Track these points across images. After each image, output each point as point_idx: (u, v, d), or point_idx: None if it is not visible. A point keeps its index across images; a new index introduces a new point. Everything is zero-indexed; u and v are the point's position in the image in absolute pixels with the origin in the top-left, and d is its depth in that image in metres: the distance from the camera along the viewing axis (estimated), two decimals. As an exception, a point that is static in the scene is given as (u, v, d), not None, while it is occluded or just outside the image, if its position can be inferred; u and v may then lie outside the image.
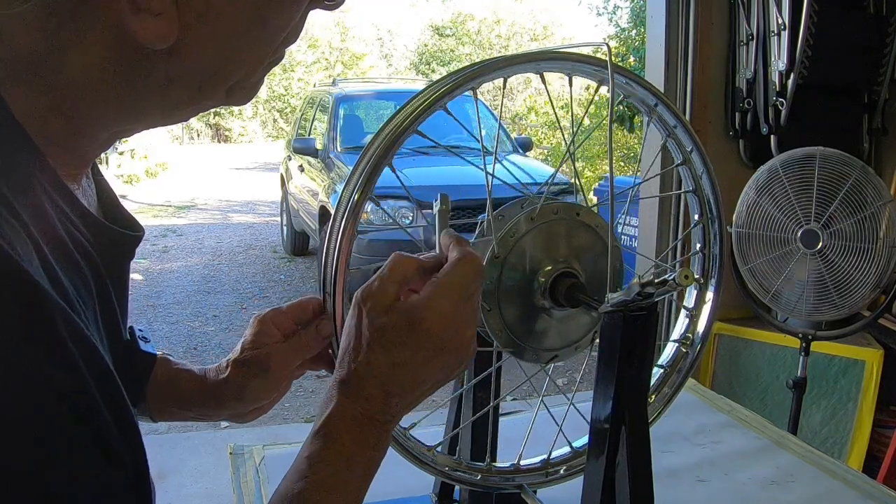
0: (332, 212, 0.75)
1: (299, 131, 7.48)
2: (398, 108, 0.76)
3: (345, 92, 6.97)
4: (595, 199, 5.52)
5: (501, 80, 0.80)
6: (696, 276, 0.95)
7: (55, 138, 0.49)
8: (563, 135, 6.60)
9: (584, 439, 0.89)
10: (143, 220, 8.85)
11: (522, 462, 0.91)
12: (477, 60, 0.80)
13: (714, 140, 2.50)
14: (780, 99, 2.34)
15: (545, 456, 0.92)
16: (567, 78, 0.83)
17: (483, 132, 6.93)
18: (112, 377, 0.44)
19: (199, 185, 13.38)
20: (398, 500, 1.01)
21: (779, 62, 2.32)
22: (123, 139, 0.59)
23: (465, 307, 0.60)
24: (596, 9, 16.61)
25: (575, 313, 0.82)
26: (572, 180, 7.66)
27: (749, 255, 1.95)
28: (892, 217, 1.81)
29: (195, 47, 0.49)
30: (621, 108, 5.12)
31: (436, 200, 0.72)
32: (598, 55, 0.79)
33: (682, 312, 0.97)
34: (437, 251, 0.65)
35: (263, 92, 21.62)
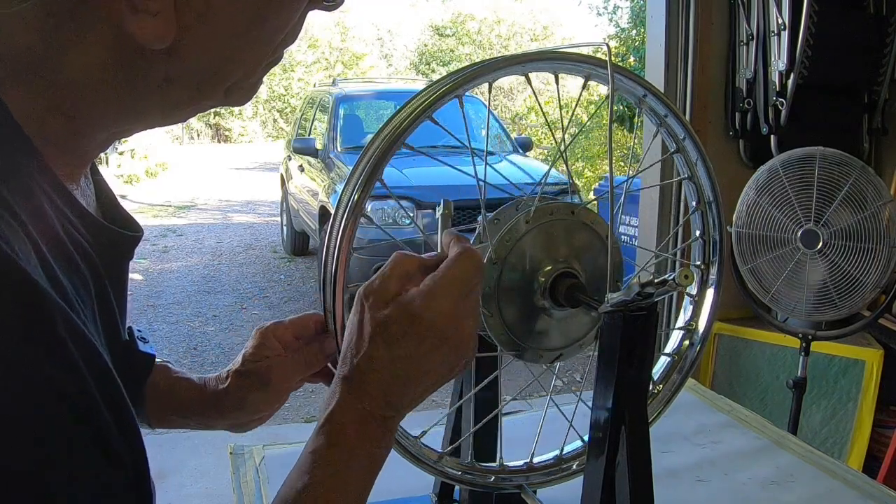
0: (332, 212, 0.75)
1: (299, 131, 7.48)
2: (398, 108, 0.76)
3: (345, 92, 6.97)
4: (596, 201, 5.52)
5: (500, 80, 0.80)
6: (698, 263, 0.95)
7: (54, 138, 0.49)
8: (552, 133, 6.61)
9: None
10: (143, 220, 8.87)
11: (535, 460, 0.91)
12: (477, 60, 0.80)
13: (714, 140, 2.50)
14: (780, 99, 2.34)
15: (558, 452, 0.92)
16: (578, 79, 0.83)
17: (483, 132, 6.92)
18: (112, 377, 0.44)
19: (199, 185, 13.38)
20: (398, 500, 1.01)
21: (779, 62, 2.32)
22: (123, 139, 0.59)
23: (466, 302, 0.60)
24: (596, 9, 16.61)
25: (576, 312, 0.82)
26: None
27: (749, 255, 1.95)
28: (892, 217, 1.81)
29: (194, 47, 0.49)
30: (621, 107, 5.11)
31: (439, 205, 0.73)
32: (599, 55, 0.79)
33: (686, 299, 0.97)
34: (439, 250, 0.65)
35: (263, 92, 21.64)
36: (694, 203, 0.93)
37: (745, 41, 2.44)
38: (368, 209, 4.79)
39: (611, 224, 0.80)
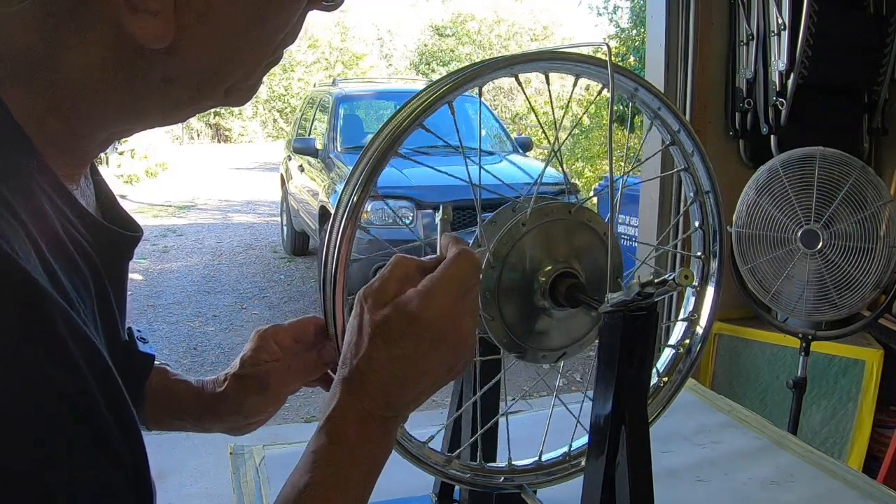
0: (332, 212, 0.75)
1: (299, 131, 7.48)
2: (398, 107, 0.76)
3: (345, 92, 6.97)
4: (595, 199, 5.52)
5: (501, 79, 0.80)
6: (699, 254, 0.95)
7: (53, 138, 0.49)
8: (545, 133, 6.60)
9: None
10: (143, 220, 8.87)
11: (544, 458, 0.91)
12: (477, 60, 0.80)
13: (714, 140, 2.50)
14: (780, 99, 2.34)
15: (566, 449, 0.92)
16: (574, 78, 0.83)
17: (483, 132, 6.93)
18: (113, 376, 0.44)
19: (199, 185, 13.38)
20: (398, 500, 1.01)
21: (779, 62, 2.32)
22: (123, 139, 0.59)
23: (464, 301, 0.60)
24: (596, 9, 16.59)
25: (577, 312, 0.82)
26: (572, 179, 7.66)
27: (749, 255, 1.95)
28: (892, 217, 1.81)
29: (194, 47, 0.49)
30: (621, 107, 5.11)
31: (438, 210, 0.73)
32: (599, 55, 0.80)
33: (688, 290, 0.97)
34: (438, 253, 0.65)
35: (263, 92, 21.64)
36: (692, 194, 0.93)
37: (745, 41, 2.44)
38: (368, 209, 4.79)
39: (611, 224, 0.80)
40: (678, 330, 0.98)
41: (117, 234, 0.56)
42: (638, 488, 0.74)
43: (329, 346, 0.75)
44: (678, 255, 2.20)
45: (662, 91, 0.92)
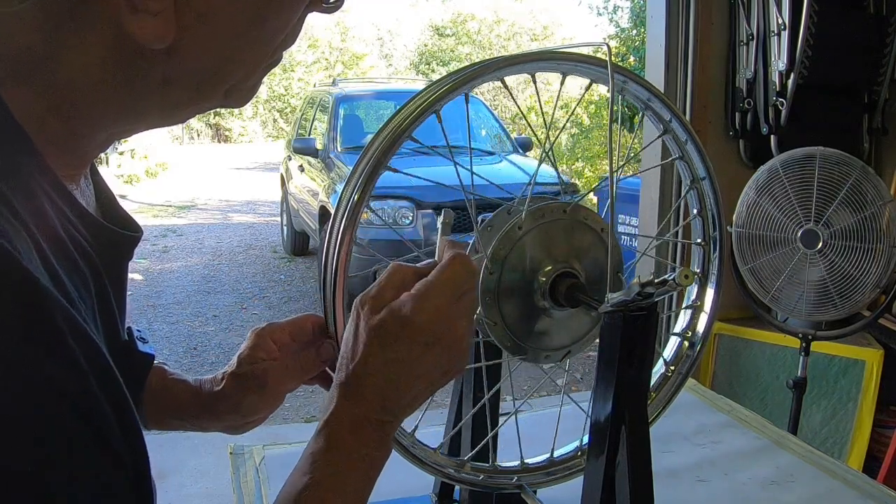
0: (332, 212, 0.75)
1: (299, 131, 7.48)
2: (398, 108, 0.76)
3: (345, 92, 6.97)
4: (595, 199, 5.51)
5: (497, 82, 0.80)
6: (699, 241, 0.95)
7: (54, 139, 0.49)
8: (534, 133, 6.58)
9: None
10: (143, 220, 8.86)
11: (555, 454, 0.92)
12: (477, 60, 0.80)
13: (714, 140, 2.50)
14: (780, 99, 2.34)
15: (577, 443, 0.93)
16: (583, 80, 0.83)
17: (483, 132, 6.92)
18: (114, 376, 0.44)
19: (199, 185, 13.38)
20: (398, 500, 1.01)
21: (779, 62, 2.32)
22: (123, 139, 0.59)
23: (458, 305, 0.60)
24: (596, 9, 16.60)
25: (578, 312, 0.82)
26: (572, 179, 7.66)
27: (749, 255, 1.95)
28: (892, 217, 1.81)
29: (194, 47, 0.49)
30: (621, 107, 5.11)
31: (440, 214, 0.73)
32: (599, 55, 0.80)
33: (694, 248, 0.97)
34: (436, 257, 0.66)
35: (263, 92, 21.63)
36: (688, 181, 0.93)
37: (745, 41, 2.44)
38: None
39: (611, 224, 0.80)
40: (681, 319, 0.98)
41: (117, 234, 0.56)
42: (638, 488, 0.74)
43: (327, 344, 0.75)
44: (679, 245, 2.21)
45: (662, 91, 0.91)
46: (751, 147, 2.50)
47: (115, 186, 10.39)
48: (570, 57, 0.80)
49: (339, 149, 6.05)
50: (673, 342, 0.98)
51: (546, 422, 0.89)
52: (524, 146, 6.69)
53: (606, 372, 0.75)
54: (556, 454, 0.92)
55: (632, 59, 9.08)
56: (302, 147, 6.39)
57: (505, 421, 0.89)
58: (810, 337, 2.02)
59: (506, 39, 23.51)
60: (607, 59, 0.76)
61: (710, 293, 0.96)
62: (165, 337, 5.02)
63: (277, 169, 9.13)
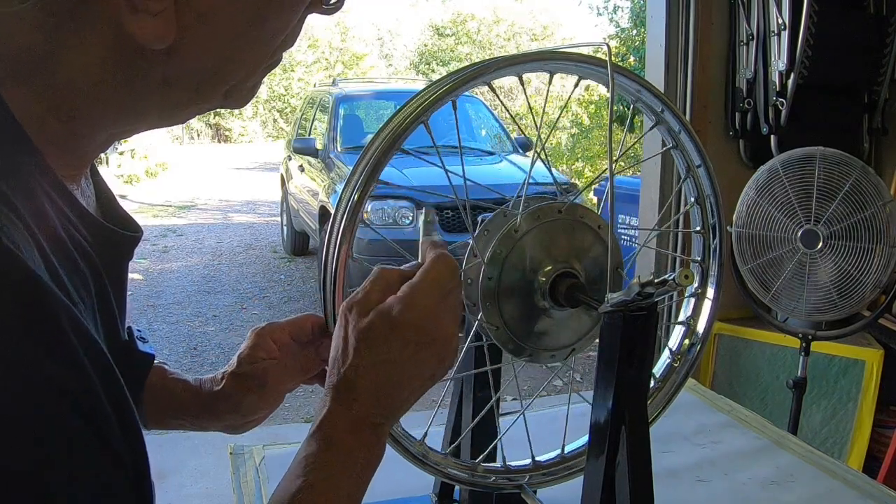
0: (332, 212, 0.75)
1: (299, 131, 7.48)
2: (398, 107, 0.76)
3: (345, 92, 6.97)
4: (595, 199, 5.51)
5: (500, 80, 0.80)
6: (698, 230, 0.95)
7: (54, 138, 0.49)
8: (522, 133, 6.56)
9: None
10: (143, 220, 8.85)
11: (566, 450, 0.92)
12: (476, 60, 0.80)
13: (714, 140, 2.50)
14: (780, 99, 2.34)
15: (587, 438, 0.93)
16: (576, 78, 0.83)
17: (483, 132, 6.92)
18: (115, 375, 0.44)
19: (199, 185, 13.37)
20: (398, 500, 1.01)
21: (779, 62, 2.32)
22: (123, 140, 0.59)
23: (444, 303, 0.61)
24: (596, 9, 16.56)
25: (580, 311, 0.82)
26: (571, 179, 7.65)
27: (749, 255, 1.95)
28: (892, 217, 1.81)
29: (194, 48, 0.49)
30: (620, 107, 5.11)
31: (422, 212, 0.74)
32: (599, 55, 0.80)
33: (692, 265, 0.97)
34: (419, 258, 0.66)
35: (263, 92, 21.62)
36: (684, 170, 0.93)
37: (745, 41, 2.44)
38: (368, 209, 4.79)
39: (611, 224, 0.80)
40: (685, 310, 0.98)
41: (117, 234, 0.56)
42: (638, 488, 0.74)
43: (327, 344, 0.75)
44: (679, 236, 2.21)
45: (663, 91, 0.91)
46: (751, 147, 2.50)
47: (115, 186, 10.39)
48: (571, 57, 0.80)
49: (339, 149, 6.05)
50: (678, 331, 0.97)
51: (545, 422, 0.89)
52: (524, 146, 6.70)
53: (606, 372, 0.75)
54: (566, 451, 0.92)
55: (632, 59, 9.08)
56: (302, 147, 6.39)
57: (514, 421, 0.89)
58: (810, 337, 2.02)
59: (505, 39, 23.51)
60: (607, 59, 0.76)
61: (711, 284, 0.96)
62: (165, 337, 5.02)
63: (277, 169, 9.13)
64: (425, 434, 0.84)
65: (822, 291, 1.88)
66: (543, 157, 0.86)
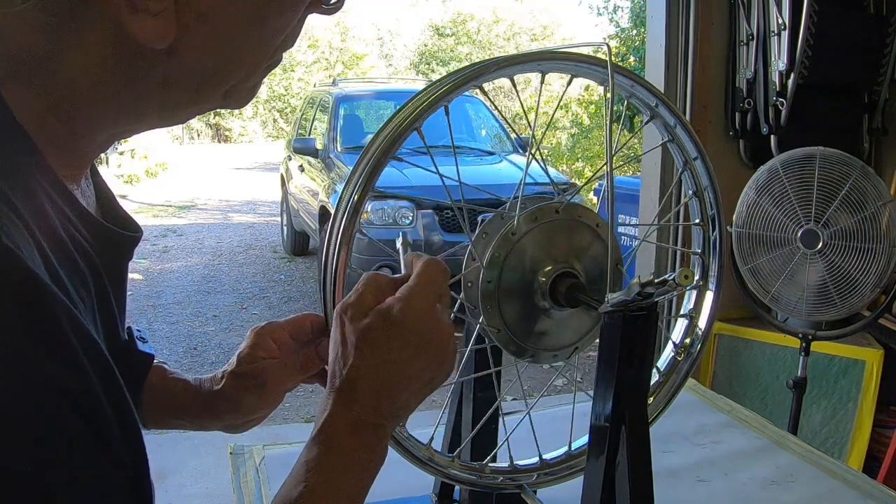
0: (332, 212, 0.75)
1: (299, 131, 7.48)
2: (398, 107, 0.76)
3: (345, 92, 6.97)
4: (595, 199, 5.51)
5: (500, 80, 0.80)
6: (697, 222, 0.95)
7: (54, 138, 0.49)
8: (516, 134, 6.55)
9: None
10: (143, 220, 8.85)
11: (573, 447, 0.92)
12: (476, 60, 0.80)
13: (714, 140, 2.50)
14: (781, 99, 2.34)
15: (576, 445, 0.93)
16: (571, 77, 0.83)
17: (483, 132, 6.92)
18: (115, 375, 0.44)
19: (199, 185, 13.38)
20: (398, 500, 1.01)
21: (779, 62, 2.32)
22: (123, 140, 0.59)
23: (441, 305, 0.62)
24: (596, 9, 16.56)
25: (580, 311, 0.82)
26: (572, 180, 7.65)
27: (749, 255, 1.95)
28: (892, 217, 1.81)
29: (194, 47, 0.49)
30: (620, 107, 5.12)
31: (398, 238, 0.75)
32: (599, 55, 0.80)
33: (693, 257, 0.97)
34: (403, 271, 0.67)
35: (263, 92, 21.61)
36: (681, 164, 0.93)
37: (745, 41, 2.44)
38: (368, 209, 4.79)
39: (611, 221, 0.80)
40: (688, 299, 0.98)
41: (117, 234, 0.56)
42: (638, 488, 0.74)
43: (326, 343, 0.75)
44: (680, 228, 2.20)
45: (663, 91, 0.91)
46: (751, 147, 2.50)
47: (115, 186, 10.39)
48: (571, 57, 0.80)
49: (339, 149, 6.05)
50: (680, 324, 0.98)
51: (546, 422, 0.89)
52: (524, 146, 6.69)
53: (606, 372, 0.75)
54: (573, 448, 0.92)
55: (632, 59, 9.08)
56: (302, 147, 6.39)
57: (521, 421, 0.89)
58: (810, 337, 2.02)
59: (505, 39, 23.51)
60: (608, 59, 0.76)
61: (712, 273, 0.96)
62: (165, 337, 5.02)
63: (277, 169, 9.13)
64: (431, 438, 0.84)
65: (822, 291, 1.88)
66: (538, 157, 0.85)
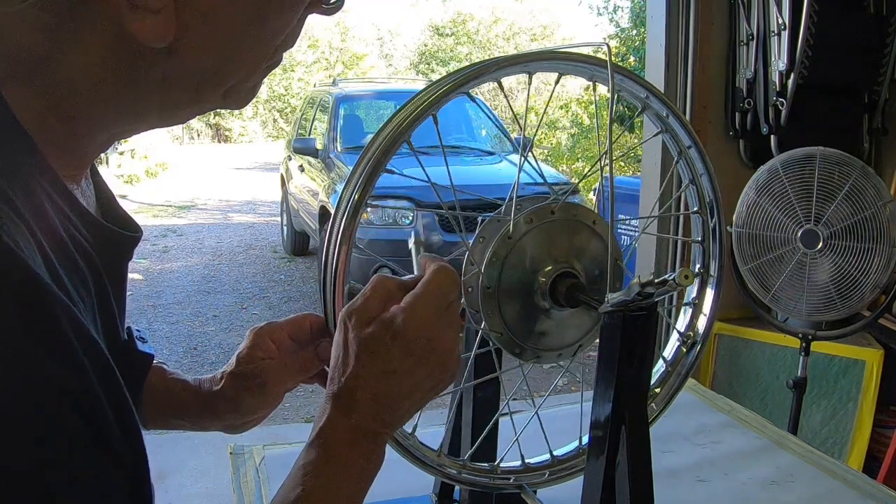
0: (332, 212, 0.75)
1: (299, 131, 7.48)
2: (398, 107, 0.76)
3: (345, 92, 6.97)
4: (594, 199, 5.51)
5: (498, 81, 0.80)
6: (695, 209, 0.95)
7: (54, 138, 0.49)
8: (507, 137, 6.54)
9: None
10: (143, 220, 8.85)
11: (584, 442, 0.92)
12: (476, 60, 0.80)
13: (714, 140, 2.50)
14: (781, 99, 2.34)
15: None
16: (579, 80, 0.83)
17: (483, 132, 6.92)
18: (115, 376, 0.44)
19: (199, 185, 13.37)
20: (398, 500, 1.01)
21: (779, 62, 2.32)
22: (123, 140, 0.60)
23: (446, 315, 0.61)
24: (596, 9, 16.57)
25: (580, 310, 0.82)
26: (573, 180, 7.64)
27: (749, 255, 1.95)
28: (892, 217, 1.81)
29: (193, 47, 0.49)
30: (620, 107, 5.11)
31: (410, 238, 0.75)
32: (599, 55, 0.80)
33: (693, 247, 0.97)
34: (416, 273, 0.66)
35: (263, 92, 21.61)
36: (676, 154, 0.93)
37: (745, 41, 2.44)
38: (368, 209, 4.79)
39: (611, 224, 0.80)
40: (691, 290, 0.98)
41: (117, 234, 0.56)
42: (638, 488, 0.74)
43: (326, 343, 0.75)
44: (681, 218, 2.19)
45: (663, 91, 0.91)
46: (751, 147, 2.50)
47: (115, 186, 10.39)
48: (571, 57, 0.80)
49: (339, 149, 6.05)
50: (684, 312, 0.98)
51: (547, 421, 0.89)
52: (525, 146, 6.68)
53: (606, 372, 0.75)
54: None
55: (632, 59, 9.08)
56: (302, 147, 6.39)
57: (530, 420, 0.89)
58: (810, 337, 2.02)
59: (505, 39, 23.51)
60: (607, 59, 0.76)
61: (713, 263, 0.96)
62: (165, 337, 5.02)
63: (277, 169, 9.13)
64: (441, 445, 0.84)
65: (822, 291, 1.88)
66: (530, 158, 0.85)
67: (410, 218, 4.91)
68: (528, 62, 0.77)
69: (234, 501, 1.09)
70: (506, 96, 0.84)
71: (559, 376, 0.92)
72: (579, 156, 10.04)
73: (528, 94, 0.91)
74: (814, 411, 2.36)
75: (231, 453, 1.21)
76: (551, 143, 10.61)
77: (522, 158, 0.85)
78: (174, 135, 22.53)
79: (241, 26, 0.50)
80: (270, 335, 0.76)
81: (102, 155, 0.62)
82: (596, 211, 0.83)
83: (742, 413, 1.36)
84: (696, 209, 0.95)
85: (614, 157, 0.76)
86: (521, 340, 0.80)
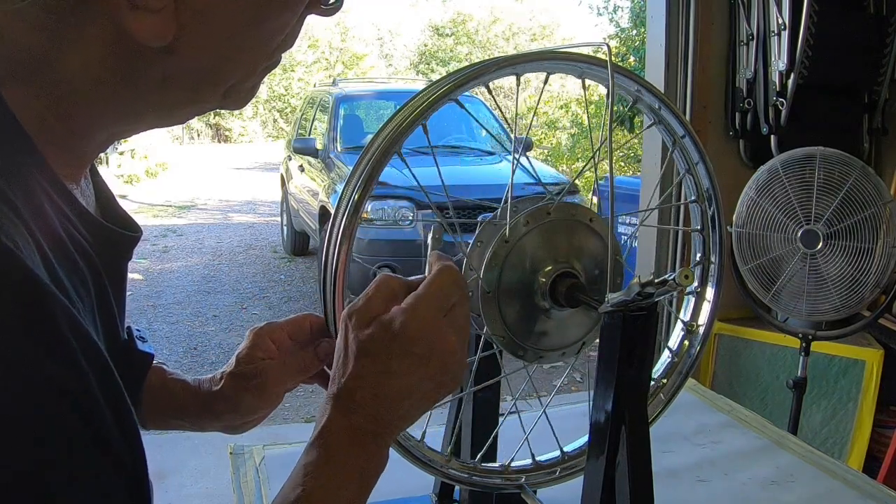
0: (332, 212, 0.75)
1: (299, 131, 7.48)
2: (398, 107, 0.76)
3: (345, 92, 6.97)
4: (595, 200, 5.51)
5: (500, 80, 0.80)
6: (693, 199, 0.95)
7: (53, 138, 0.49)
8: (496, 140, 6.53)
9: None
10: (143, 220, 8.85)
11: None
12: (476, 60, 0.80)
13: (714, 140, 2.50)
14: (781, 99, 2.34)
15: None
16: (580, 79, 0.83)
17: (483, 133, 6.91)
18: (114, 376, 0.44)
19: (199, 185, 13.38)
20: (398, 500, 1.01)
21: (779, 62, 2.32)
22: (122, 139, 0.59)
23: (448, 316, 0.61)
24: (596, 9, 16.55)
25: (581, 310, 0.82)
26: (573, 180, 7.64)
27: (749, 255, 1.95)
28: (892, 217, 1.81)
29: (193, 46, 0.49)
30: (620, 107, 5.12)
31: (430, 233, 0.75)
32: (599, 55, 0.80)
33: (693, 236, 0.97)
34: (425, 271, 0.66)
35: (263, 92, 21.62)
36: (670, 143, 0.92)
37: (745, 41, 2.44)
38: (368, 209, 4.79)
39: (611, 224, 0.80)
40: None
41: (117, 234, 0.56)
42: (638, 488, 0.74)
43: (325, 343, 0.75)
44: (682, 208, 2.19)
45: (663, 91, 0.91)
46: (751, 147, 2.50)
47: (115, 186, 10.39)
48: (571, 57, 0.80)
49: (339, 149, 6.05)
50: (689, 302, 0.98)
51: (552, 420, 0.89)
52: (525, 146, 6.68)
53: (606, 372, 0.75)
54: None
55: (632, 59, 9.08)
56: (302, 147, 6.39)
57: (538, 419, 0.89)
58: (810, 337, 2.02)
59: (505, 39, 23.52)
60: (608, 59, 0.76)
61: (713, 252, 0.96)
62: (165, 337, 5.02)
63: (277, 169, 9.13)
64: (451, 449, 0.84)
65: (822, 291, 1.88)
66: (523, 160, 0.85)
67: (410, 218, 4.91)
68: (515, 64, 0.77)
69: (234, 501, 1.09)
70: (495, 100, 0.83)
71: (565, 374, 0.91)
72: (579, 156, 10.04)
73: (517, 96, 0.91)
74: (814, 411, 2.36)
75: (231, 453, 1.21)
76: (551, 144, 10.61)
77: (515, 160, 0.85)
78: (174, 135, 22.53)
79: (240, 26, 0.50)
80: (270, 335, 0.76)
81: (102, 155, 0.62)
82: (595, 210, 0.83)
83: (742, 413, 1.36)
84: (693, 199, 0.95)
85: (608, 156, 0.76)
86: (523, 341, 0.80)
